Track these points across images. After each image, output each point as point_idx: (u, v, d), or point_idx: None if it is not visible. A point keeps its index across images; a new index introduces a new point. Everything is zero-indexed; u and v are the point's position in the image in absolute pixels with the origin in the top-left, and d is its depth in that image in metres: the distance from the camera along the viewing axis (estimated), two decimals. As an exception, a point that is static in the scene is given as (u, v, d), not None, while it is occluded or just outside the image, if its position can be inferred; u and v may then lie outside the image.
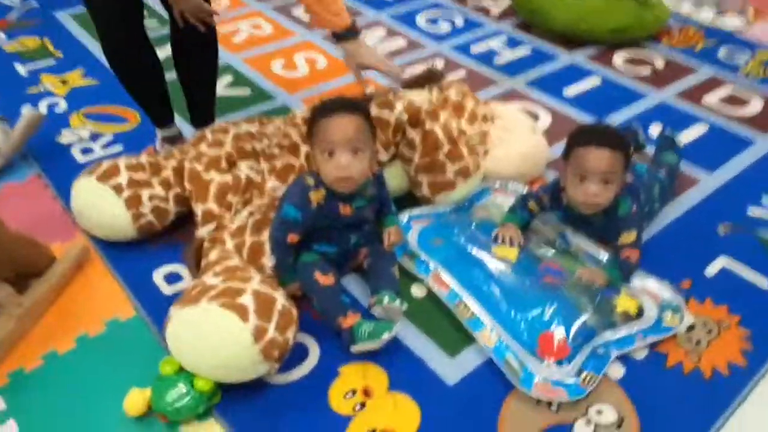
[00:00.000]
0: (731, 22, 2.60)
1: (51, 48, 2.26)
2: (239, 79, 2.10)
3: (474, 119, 1.59)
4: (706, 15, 2.64)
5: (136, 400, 1.06)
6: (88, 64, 2.15)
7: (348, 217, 1.24)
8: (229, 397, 1.09)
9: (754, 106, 1.99)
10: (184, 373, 1.07)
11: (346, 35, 1.50)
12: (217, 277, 1.12)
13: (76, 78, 2.08)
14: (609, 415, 1.08)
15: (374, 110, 1.42)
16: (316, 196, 1.20)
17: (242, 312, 1.03)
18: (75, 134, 1.81)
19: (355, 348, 1.14)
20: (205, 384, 1.05)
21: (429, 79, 1.62)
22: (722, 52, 2.33)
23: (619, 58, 2.26)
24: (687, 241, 1.45)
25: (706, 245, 1.44)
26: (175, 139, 1.68)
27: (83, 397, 1.11)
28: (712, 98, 2.03)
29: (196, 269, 1.25)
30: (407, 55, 2.26)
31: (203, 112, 1.70)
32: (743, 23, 2.60)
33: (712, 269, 1.37)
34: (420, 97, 1.53)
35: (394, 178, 1.50)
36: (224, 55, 2.21)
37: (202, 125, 1.65)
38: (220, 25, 2.40)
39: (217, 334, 1.03)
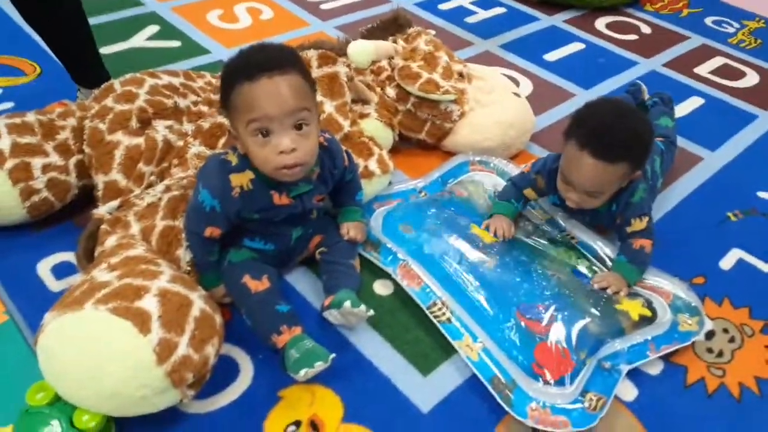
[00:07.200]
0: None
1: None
2: (167, 31, 1.76)
3: (449, 75, 1.32)
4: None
5: (-10, 443, 0.76)
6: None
7: (285, 208, 0.93)
8: (126, 434, 0.81)
9: (751, 79, 1.80)
10: (60, 404, 0.77)
11: None
12: (112, 272, 0.82)
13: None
14: (623, 450, 0.85)
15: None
16: (239, 180, 0.88)
17: (142, 320, 0.74)
18: (-49, 87, 1.45)
19: (293, 376, 0.85)
20: (91, 419, 0.76)
21: (395, 23, 1.34)
22: (709, 20, 2.14)
23: (601, 23, 2.03)
24: (695, 230, 1.23)
25: (718, 234, 1.23)
26: None
27: None
28: (704, 69, 1.83)
29: (88, 261, 0.94)
30: (366, 9, 1.96)
31: (88, 70, 1.33)
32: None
33: (726, 262, 1.17)
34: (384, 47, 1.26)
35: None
36: (150, 3, 1.89)
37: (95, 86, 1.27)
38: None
39: (106, 350, 0.73)
